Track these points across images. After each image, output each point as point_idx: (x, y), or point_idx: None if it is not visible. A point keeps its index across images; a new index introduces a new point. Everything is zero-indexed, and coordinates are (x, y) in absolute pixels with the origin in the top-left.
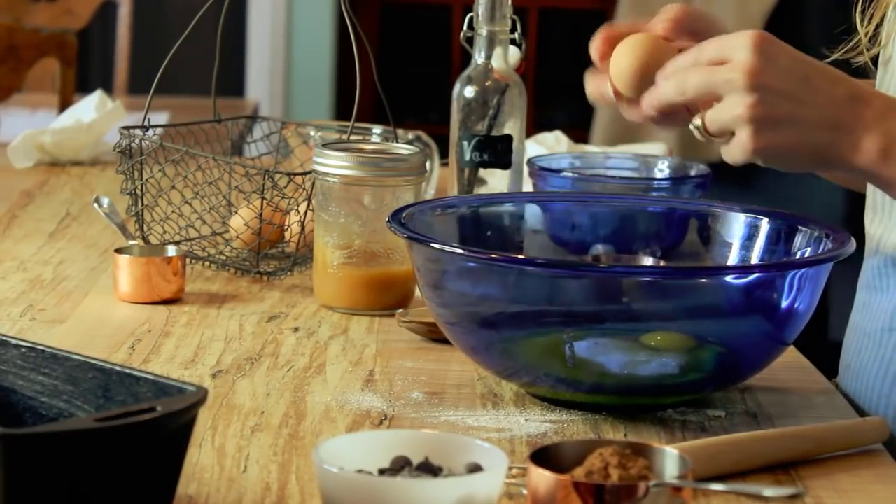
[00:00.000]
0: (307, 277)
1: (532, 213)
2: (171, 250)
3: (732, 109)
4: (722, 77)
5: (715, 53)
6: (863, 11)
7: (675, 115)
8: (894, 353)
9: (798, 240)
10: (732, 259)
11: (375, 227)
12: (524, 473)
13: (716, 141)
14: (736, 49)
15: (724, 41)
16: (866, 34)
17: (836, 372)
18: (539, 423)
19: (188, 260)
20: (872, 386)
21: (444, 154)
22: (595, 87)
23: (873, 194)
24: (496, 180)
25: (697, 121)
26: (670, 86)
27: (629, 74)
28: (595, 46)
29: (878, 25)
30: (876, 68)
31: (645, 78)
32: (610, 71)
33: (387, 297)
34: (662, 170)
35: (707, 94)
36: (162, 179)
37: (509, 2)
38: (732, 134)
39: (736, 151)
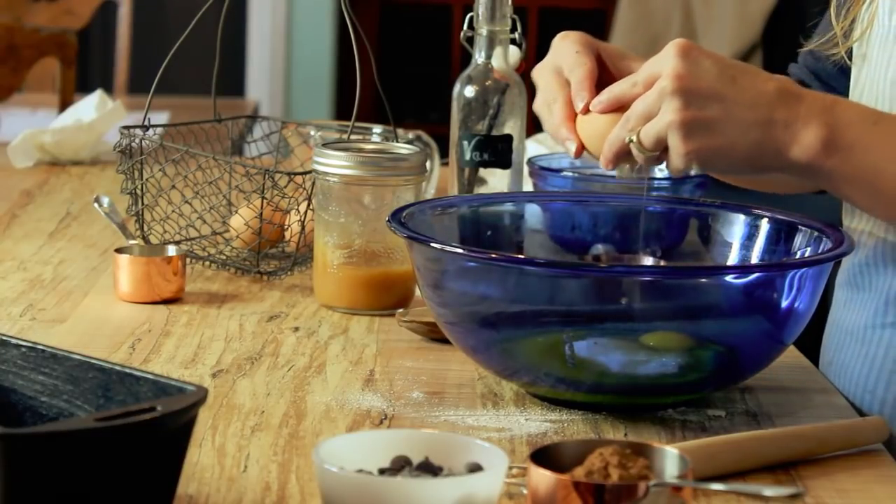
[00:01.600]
0: (307, 277)
1: (532, 213)
2: (172, 250)
3: (664, 117)
4: (654, 92)
5: (646, 73)
6: (838, 6)
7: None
8: (878, 350)
9: (798, 240)
10: (732, 259)
11: (375, 227)
12: (524, 473)
13: (651, 156)
14: (663, 61)
15: (652, 60)
16: (842, 28)
17: None
18: (539, 423)
19: (188, 260)
20: (857, 383)
21: (444, 154)
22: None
23: None
24: (496, 180)
25: (633, 136)
26: (618, 132)
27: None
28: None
29: (854, 20)
30: (851, 62)
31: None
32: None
33: (387, 297)
34: (662, 170)
35: (646, 117)
36: (162, 179)
37: (509, 2)
38: (667, 146)
39: (673, 159)
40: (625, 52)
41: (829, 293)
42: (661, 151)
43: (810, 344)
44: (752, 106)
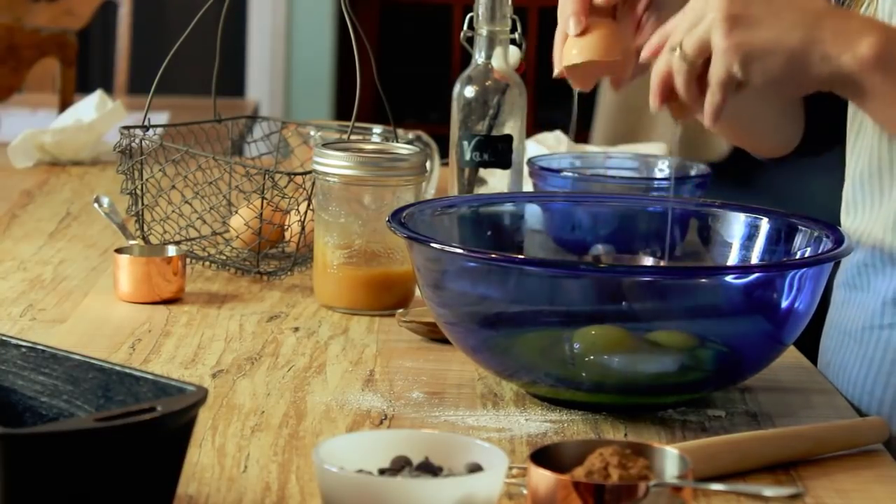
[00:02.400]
0: (307, 277)
1: (532, 213)
2: (171, 250)
3: (706, 18)
4: (700, 3)
5: (692, 9)
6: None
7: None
8: (877, 351)
9: (798, 240)
10: (732, 259)
11: (375, 227)
12: (524, 473)
13: (694, 68)
14: None
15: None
16: None
17: None
18: (539, 423)
19: (188, 260)
20: (855, 383)
21: (444, 154)
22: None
23: (851, 191)
24: (496, 180)
25: (675, 45)
26: (664, 56)
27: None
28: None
29: None
30: None
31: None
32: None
33: (387, 297)
34: (662, 170)
35: (693, 25)
36: (162, 179)
37: (509, 2)
38: (708, 60)
39: (716, 63)
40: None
41: (828, 294)
42: (703, 62)
43: (810, 344)
44: (800, 10)
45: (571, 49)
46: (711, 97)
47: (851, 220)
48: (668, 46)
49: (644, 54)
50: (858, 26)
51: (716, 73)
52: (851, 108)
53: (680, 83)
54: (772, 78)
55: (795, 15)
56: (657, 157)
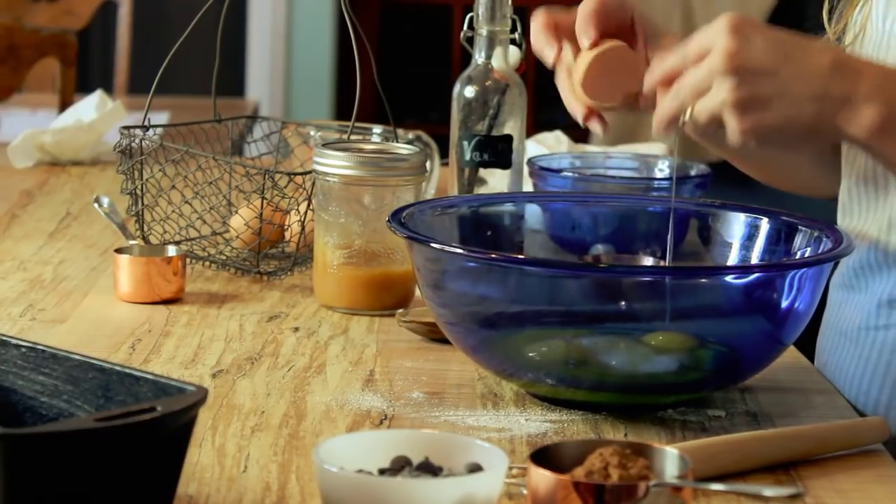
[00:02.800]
0: (307, 277)
1: (532, 213)
2: (171, 250)
3: (717, 95)
4: (706, 68)
5: (697, 48)
6: (830, 11)
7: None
8: (872, 352)
9: (798, 240)
10: (732, 259)
11: (375, 227)
12: (524, 473)
13: (708, 132)
14: (714, 37)
15: (703, 33)
16: (834, 33)
17: None
18: (539, 423)
19: (188, 260)
20: (851, 384)
21: (444, 154)
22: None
23: (847, 192)
24: (496, 180)
25: (687, 114)
26: (669, 102)
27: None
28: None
29: (846, 24)
30: None
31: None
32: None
33: (387, 297)
34: (662, 170)
35: (698, 92)
36: (162, 179)
37: (509, 2)
38: (722, 122)
39: (730, 136)
40: (659, 28)
41: (824, 295)
42: (714, 127)
43: (806, 345)
44: (807, 81)
45: (582, 58)
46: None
47: (847, 221)
48: (674, 101)
49: (646, 87)
50: (866, 89)
51: (732, 142)
52: None
53: (691, 134)
54: (790, 147)
55: (804, 87)
56: (657, 157)
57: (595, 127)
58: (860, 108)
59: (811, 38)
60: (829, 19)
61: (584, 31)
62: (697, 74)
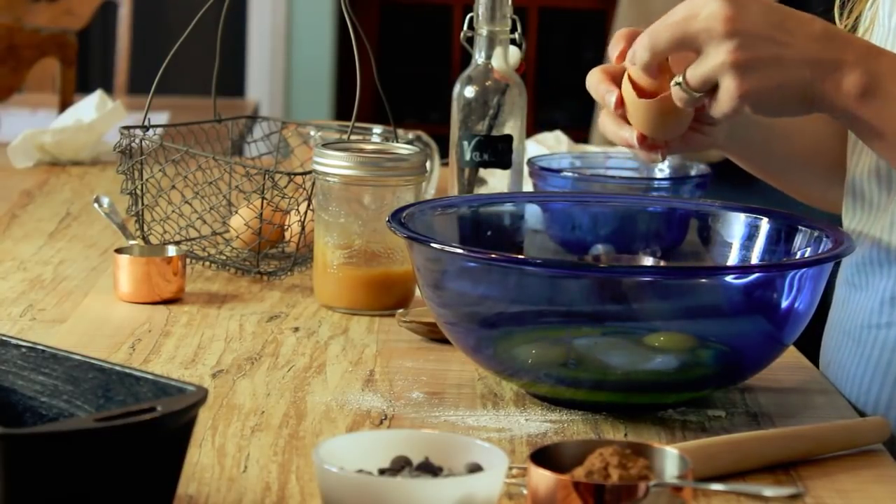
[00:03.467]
0: (307, 277)
1: (532, 213)
2: (171, 250)
3: (714, 59)
4: (697, 28)
5: (684, 11)
6: (842, 6)
7: (687, 138)
8: (873, 350)
9: (798, 240)
10: (732, 259)
11: (375, 227)
12: (524, 473)
13: (697, 96)
14: (705, 3)
15: (690, 1)
16: (846, 27)
17: None
18: (539, 423)
19: (188, 260)
20: (853, 382)
21: (444, 154)
22: (615, 131)
23: (851, 190)
24: (496, 180)
25: (679, 78)
26: (641, 44)
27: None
28: (608, 94)
29: (858, 19)
30: None
31: (665, 115)
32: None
33: (387, 297)
34: (662, 170)
35: (681, 46)
36: (162, 179)
37: (509, 2)
38: (715, 88)
39: (723, 101)
40: None
41: (830, 293)
42: (705, 93)
43: (811, 344)
44: (801, 46)
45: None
46: (712, 126)
47: (850, 219)
48: (656, 53)
49: (610, 48)
50: (852, 57)
51: (722, 108)
52: None
53: (680, 101)
54: (779, 113)
55: (799, 52)
56: None
57: (653, 156)
58: (845, 75)
59: (797, 11)
60: (841, 14)
61: (615, 47)
62: (684, 31)
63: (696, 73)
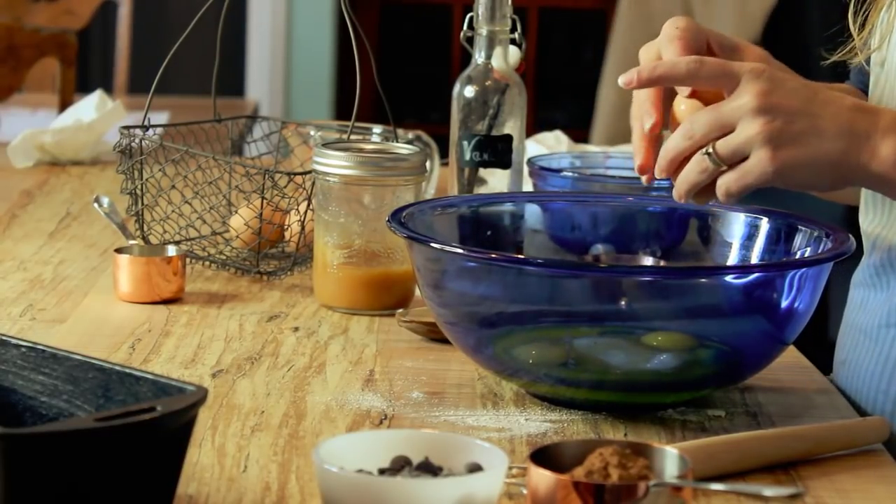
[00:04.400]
0: (307, 277)
1: (532, 213)
2: (171, 250)
3: (746, 131)
4: (730, 107)
5: (730, 72)
6: (855, 13)
7: (707, 190)
8: (892, 349)
9: (798, 240)
10: (732, 259)
11: (375, 227)
12: (524, 473)
13: (723, 168)
14: (741, 81)
15: (727, 101)
16: (861, 37)
17: (831, 369)
18: (539, 423)
19: (188, 260)
20: (869, 382)
21: (444, 154)
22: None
23: (868, 191)
24: (496, 180)
25: (709, 148)
26: (677, 135)
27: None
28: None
29: (872, 26)
30: (869, 68)
31: None
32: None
33: (387, 297)
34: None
35: (717, 129)
36: (162, 179)
37: (509, 2)
38: (744, 159)
39: (752, 173)
40: (736, 43)
41: (845, 294)
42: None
43: (813, 345)
44: (834, 118)
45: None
46: (738, 191)
47: (870, 220)
48: (685, 140)
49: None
50: (884, 124)
51: (749, 181)
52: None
53: (704, 180)
54: (810, 186)
55: (832, 124)
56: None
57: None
58: (880, 143)
59: (827, 84)
60: (855, 21)
61: (646, 115)
62: (718, 114)
63: (729, 144)
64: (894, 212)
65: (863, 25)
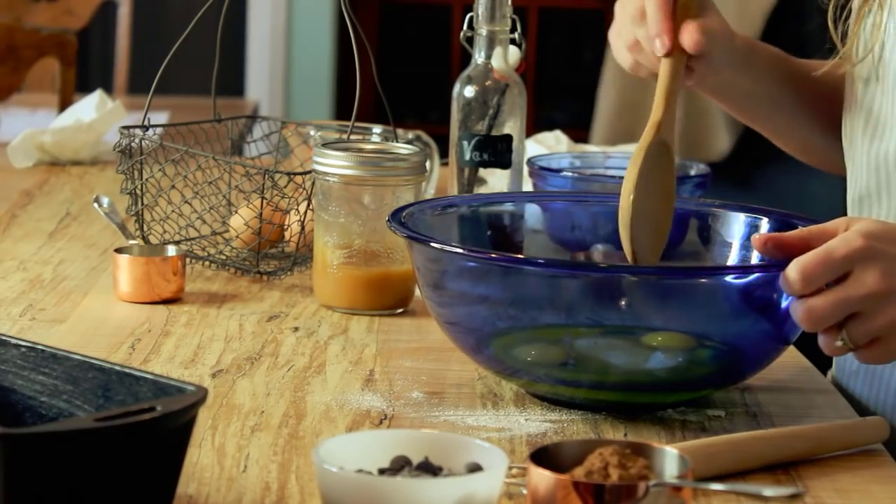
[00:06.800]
0: (307, 277)
1: (532, 213)
2: (171, 250)
3: (881, 318)
4: (858, 294)
5: (833, 265)
6: (835, 21)
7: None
8: None
9: None
10: (732, 259)
11: (375, 227)
12: (524, 473)
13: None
14: (856, 265)
15: (838, 245)
16: (845, 48)
17: (829, 364)
18: (539, 423)
19: (188, 260)
20: (871, 377)
21: (444, 154)
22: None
23: (866, 185)
24: (496, 180)
25: (844, 335)
26: (805, 320)
27: None
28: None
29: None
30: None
31: None
32: None
33: (387, 297)
34: None
35: (844, 313)
36: (162, 179)
37: (509, 2)
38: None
39: (887, 355)
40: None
41: None
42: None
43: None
44: None
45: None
46: (885, 362)
47: (862, 214)
48: (828, 318)
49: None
50: None
51: (881, 361)
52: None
53: (836, 352)
54: None
55: None
56: None
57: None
58: None
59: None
60: (835, 30)
61: (659, 37)
62: (845, 302)
63: (863, 331)
64: (893, 210)
65: (844, 34)
